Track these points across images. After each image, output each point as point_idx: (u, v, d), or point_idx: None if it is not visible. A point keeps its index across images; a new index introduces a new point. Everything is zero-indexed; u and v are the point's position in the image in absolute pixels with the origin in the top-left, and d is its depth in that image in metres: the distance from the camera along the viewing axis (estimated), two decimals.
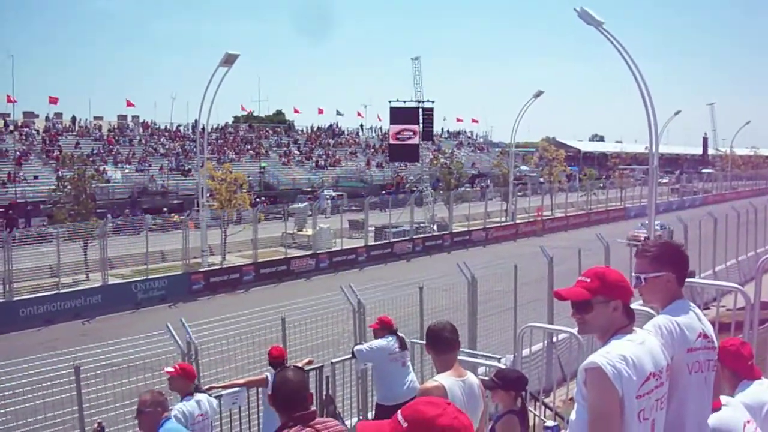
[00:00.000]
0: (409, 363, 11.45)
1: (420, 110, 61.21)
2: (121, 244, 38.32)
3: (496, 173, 76.41)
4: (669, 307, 4.23)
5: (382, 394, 11.28)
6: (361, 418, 13.10)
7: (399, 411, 2.72)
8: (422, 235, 50.97)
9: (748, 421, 4.72)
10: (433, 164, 73.11)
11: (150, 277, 35.19)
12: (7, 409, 11.12)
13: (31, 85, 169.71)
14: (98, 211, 45.11)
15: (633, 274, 4.25)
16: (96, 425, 7.49)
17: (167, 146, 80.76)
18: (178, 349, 11.74)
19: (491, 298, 18.14)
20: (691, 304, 4.35)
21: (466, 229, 54.85)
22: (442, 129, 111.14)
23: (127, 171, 70.70)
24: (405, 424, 2.67)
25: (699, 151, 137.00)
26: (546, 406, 11.45)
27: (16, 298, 30.72)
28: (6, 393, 10.99)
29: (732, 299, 9.18)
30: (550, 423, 4.94)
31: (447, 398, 5.26)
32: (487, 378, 7.43)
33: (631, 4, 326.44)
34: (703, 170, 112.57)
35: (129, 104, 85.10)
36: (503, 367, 9.12)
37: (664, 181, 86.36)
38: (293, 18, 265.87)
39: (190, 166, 72.37)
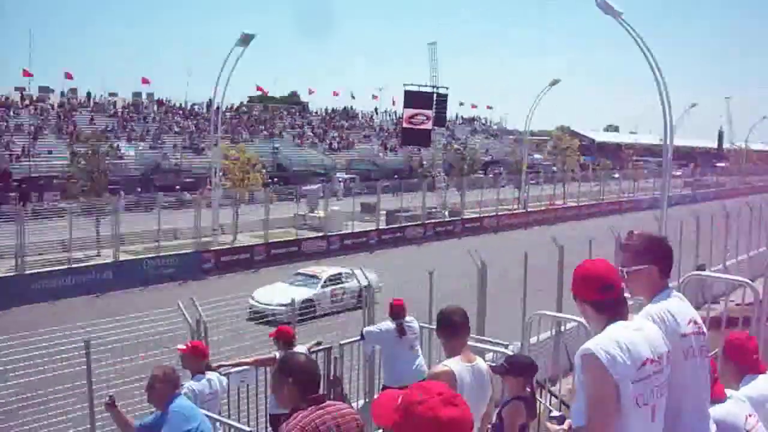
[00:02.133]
0: (418, 347, 11.48)
1: (434, 95, 61.11)
2: (133, 220, 38.48)
3: (510, 161, 76.28)
4: (656, 297, 4.28)
5: (388, 377, 11.31)
6: (367, 400, 13.15)
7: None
8: (434, 221, 50.97)
9: (750, 415, 4.79)
10: (446, 150, 72.90)
11: (161, 254, 35.43)
12: (19, 381, 11.21)
13: (47, 60, 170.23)
14: (111, 187, 45.18)
15: (618, 267, 4.29)
16: (107, 398, 7.53)
17: (181, 124, 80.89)
18: (188, 326, 11.79)
19: (500, 285, 18.15)
20: (675, 292, 4.41)
21: (477, 215, 54.68)
22: (457, 115, 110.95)
23: (140, 148, 70.81)
24: (399, 401, 2.81)
25: (714, 144, 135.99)
26: (552, 394, 11.47)
27: (28, 272, 30.94)
28: (18, 365, 11.08)
29: (741, 294, 9.17)
30: (556, 413, 4.94)
31: (456, 383, 5.32)
32: (495, 364, 7.46)
33: None
34: (718, 164, 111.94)
35: (144, 81, 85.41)
36: (510, 353, 9.13)
37: (678, 173, 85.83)
38: None
39: (203, 145, 72.51)
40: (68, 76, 79.96)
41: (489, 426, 6.84)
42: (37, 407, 11.54)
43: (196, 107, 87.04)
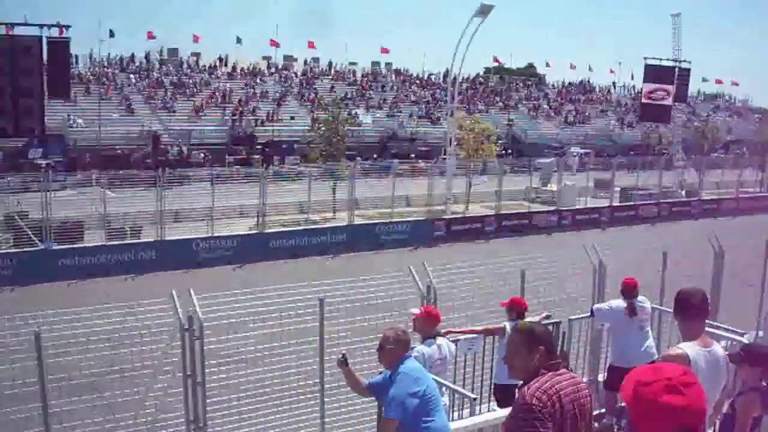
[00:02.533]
0: (649, 328, 11.23)
1: (676, 70, 59.07)
2: (368, 186, 39.46)
3: (754, 140, 72.83)
4: None
5: (616, 356, 11.14)
6: (590, 378, 13.01)
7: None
8: (669, 200, 49.20)
9: None
10: (686, 127, 70.44)
11: (394, 220, 36.18)
12: (255, 333, 11.73)
13: (292, 30, 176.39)
14: (348, 153, 46.60)
15: None
16: (340, 355, 7.76)
17: (418, 94, 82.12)
18: (418, 291, 12.00)
19: (735, 272, 17.46)
20: None
21: (716, 197, 52.34)
22: (699, 91, 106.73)
23: (377, 116, 72.63)
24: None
25: None
26: None
27: (267, 231, 32.42)
28: (254, 317, 11.58)
29: None
30: None
31: (690, 368, 5.19)
32: (729, 352, 7.22)
33: None
34: None
35: (383, 51, 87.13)
36: (746, 342, 8.82)
37: None
38: None
39: (439, 115, 73.33)
40: (311, 45, 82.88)
41: (719, 416, 6.67)
42: (270, 359, 12.05)
43: (432, 77, 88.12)
